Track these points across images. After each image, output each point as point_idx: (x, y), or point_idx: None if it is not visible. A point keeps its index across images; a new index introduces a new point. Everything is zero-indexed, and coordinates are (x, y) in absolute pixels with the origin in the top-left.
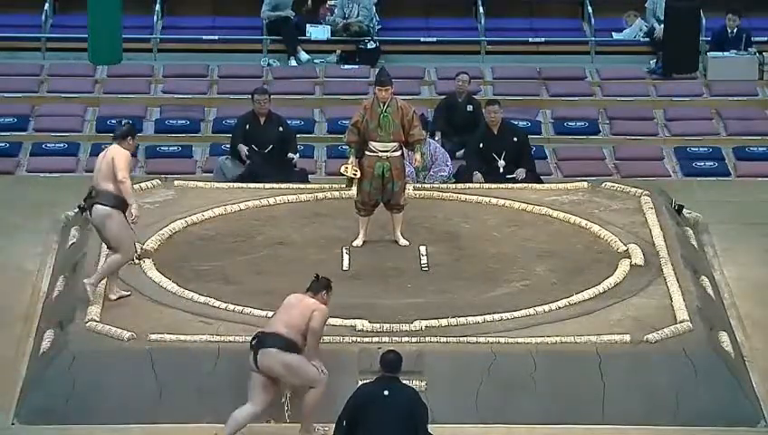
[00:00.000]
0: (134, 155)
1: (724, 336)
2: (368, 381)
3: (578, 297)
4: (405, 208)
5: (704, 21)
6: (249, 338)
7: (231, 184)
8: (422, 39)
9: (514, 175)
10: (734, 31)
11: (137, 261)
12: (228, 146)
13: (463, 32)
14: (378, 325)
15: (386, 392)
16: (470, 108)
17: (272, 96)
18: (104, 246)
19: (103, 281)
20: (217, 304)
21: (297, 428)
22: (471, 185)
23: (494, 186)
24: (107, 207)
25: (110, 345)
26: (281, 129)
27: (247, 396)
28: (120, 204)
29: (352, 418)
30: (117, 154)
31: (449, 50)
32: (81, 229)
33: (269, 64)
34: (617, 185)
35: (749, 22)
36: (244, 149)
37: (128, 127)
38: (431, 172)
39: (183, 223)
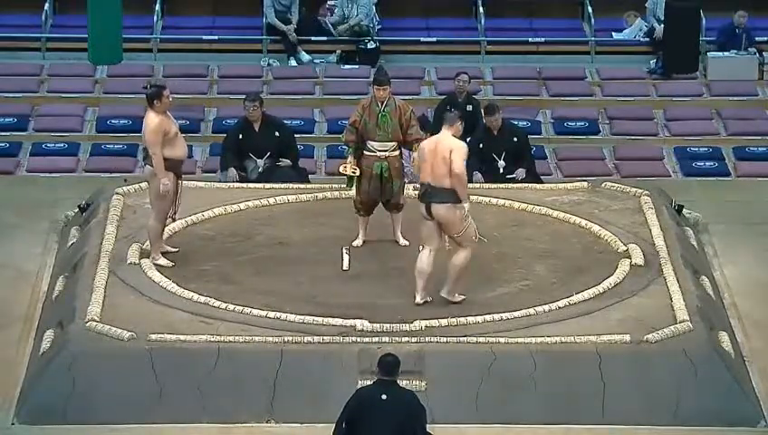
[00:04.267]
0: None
1: (724, 336)
2: (366, 384)
3: (578, 297)
4: (405, 208)
5: (704, 21)
6: (418, 192)
7: (231, 184)
8: (422, 39)
9: (514, 175)
10: (743, 28)
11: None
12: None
13: (463, 32)
14: (378, 325)
15: (384, 396)
16: (470, 108)
17: (272, 96)
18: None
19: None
20: (217, 304)
21: (297, 428)
22: (471, 185)
23: (494, 186)
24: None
25: (110, 345)
26: (277, 134)
27: (423, 243)
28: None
29: (351, 420)
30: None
31: (449, 50)
32: (80, 229)
33: (269, 64)
34: (617, 185)
35: (749, 22)
36: (234, 173)
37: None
38: None
39: (183, 223)
